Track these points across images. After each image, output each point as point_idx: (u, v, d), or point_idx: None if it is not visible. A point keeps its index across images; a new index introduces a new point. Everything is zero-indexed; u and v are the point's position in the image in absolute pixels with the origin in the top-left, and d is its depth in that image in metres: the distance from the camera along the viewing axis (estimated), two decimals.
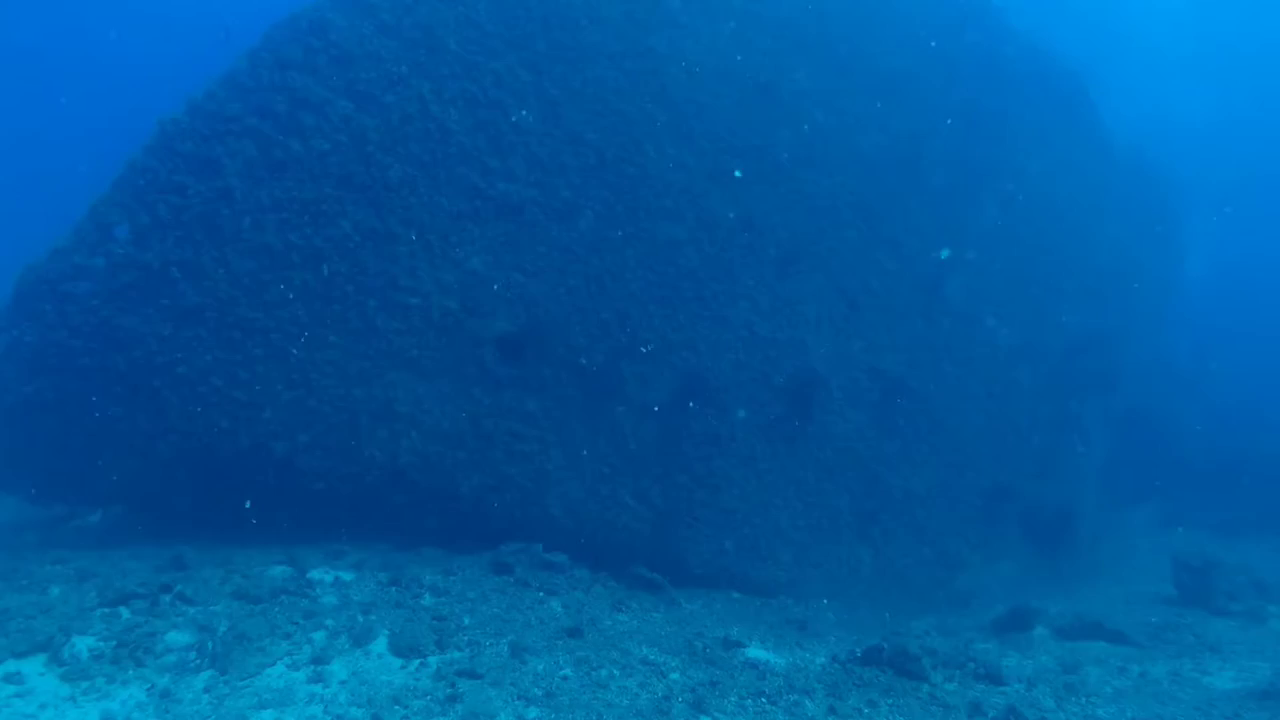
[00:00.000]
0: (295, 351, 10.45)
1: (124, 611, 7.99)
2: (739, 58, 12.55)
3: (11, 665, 6.94)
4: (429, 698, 6.97)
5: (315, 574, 9.53)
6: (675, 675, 7.91)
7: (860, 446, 12.99)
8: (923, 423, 13.63)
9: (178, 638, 7.55)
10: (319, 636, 7.95)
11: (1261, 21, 40.33)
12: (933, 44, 14.58)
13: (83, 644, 7.26)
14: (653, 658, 8.27)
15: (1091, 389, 16.00)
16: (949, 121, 14.36)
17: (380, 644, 7.92)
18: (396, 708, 6.77)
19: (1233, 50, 39.58)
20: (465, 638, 8.16)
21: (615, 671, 7.82)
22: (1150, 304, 18.82)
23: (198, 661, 7.21)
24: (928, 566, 13.42)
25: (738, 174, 12.23)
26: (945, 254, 13.62)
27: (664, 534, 11.70)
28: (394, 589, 9.28)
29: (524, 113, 11.25)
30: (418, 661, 7.64)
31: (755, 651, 8.93)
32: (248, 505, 10.57)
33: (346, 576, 9.59)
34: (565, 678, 7.57)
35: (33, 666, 6.96)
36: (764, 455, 12.19)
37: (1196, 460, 19.57)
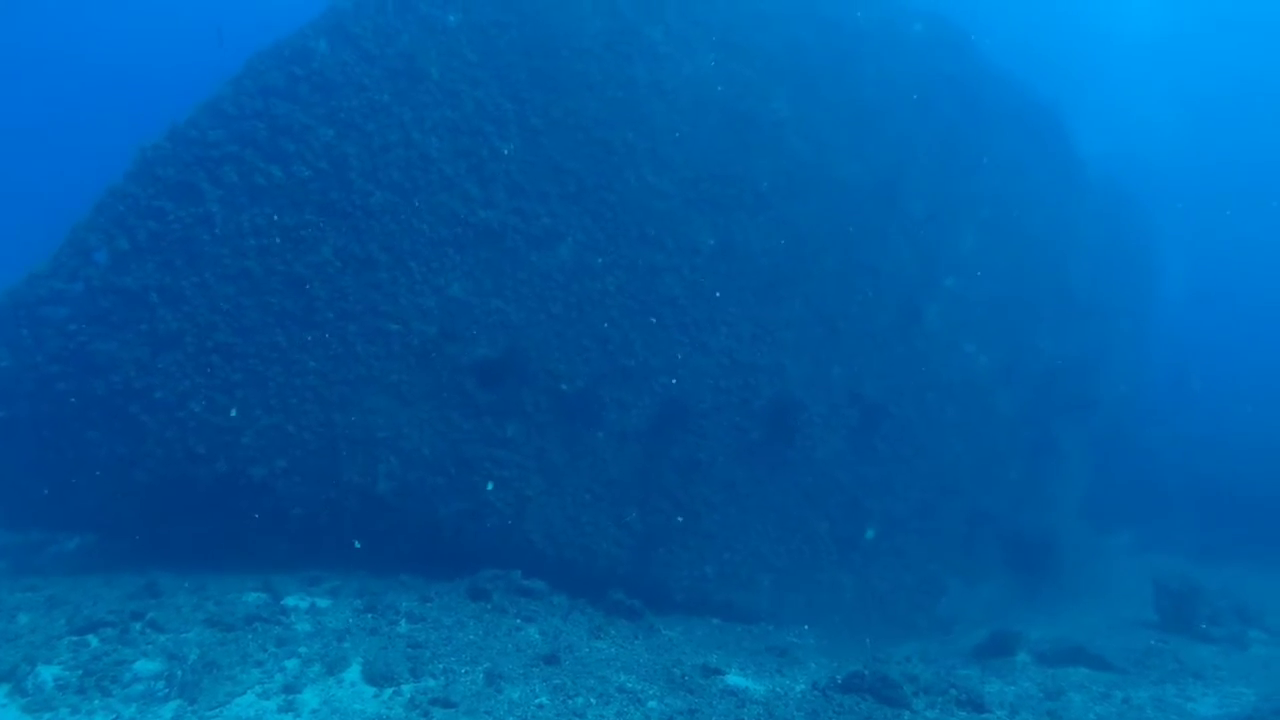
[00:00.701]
0: (274, 377, 10.27)
1: (93, 639, 7.75)
2: (719, 88, 12.51)
3: None
4: None
5: (290, 601, 9.30)
6: (653, 703, 7.70)
7: (840, 471, 12.85)
8: (903, 448, 13.51)
9: (146, 666, 7.31)
10: (291, 664, 7.71)
11: (1234, 46, 40.98)
12: (909, 77, 14.59)
13: (48, 673, 7.02)
14: (630, 685, 8.06)
15: (1070, 414, 15.92)
16: (926, 151, 14.37)
17: (353, 672, 7.69)
18: None
19: (1205, 74, 40.14)
20: (440, 665, 7.94)
21: (592, 700, 7.61)
22: (1127, 328, 18.81)
23: (166, 691, 6.98)
24: (909, 592, 13.24)
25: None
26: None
27: (644, 560, 11.51)
28: (369, 616, 9.05)
29: (506, 142, 11.18)
30: (391, 690, 7.41)
31: (735, 679, 8.72)
32: (226, 532, 10.37)
33: (322, 603, 9.36)
34: (541, 706, 7.35)
35: None
36: (744, 481, 12.03)
37: (1175, 485, 19.48)
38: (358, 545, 10.56)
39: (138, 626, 8.04)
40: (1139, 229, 20.11)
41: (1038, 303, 15.96)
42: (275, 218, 10.22)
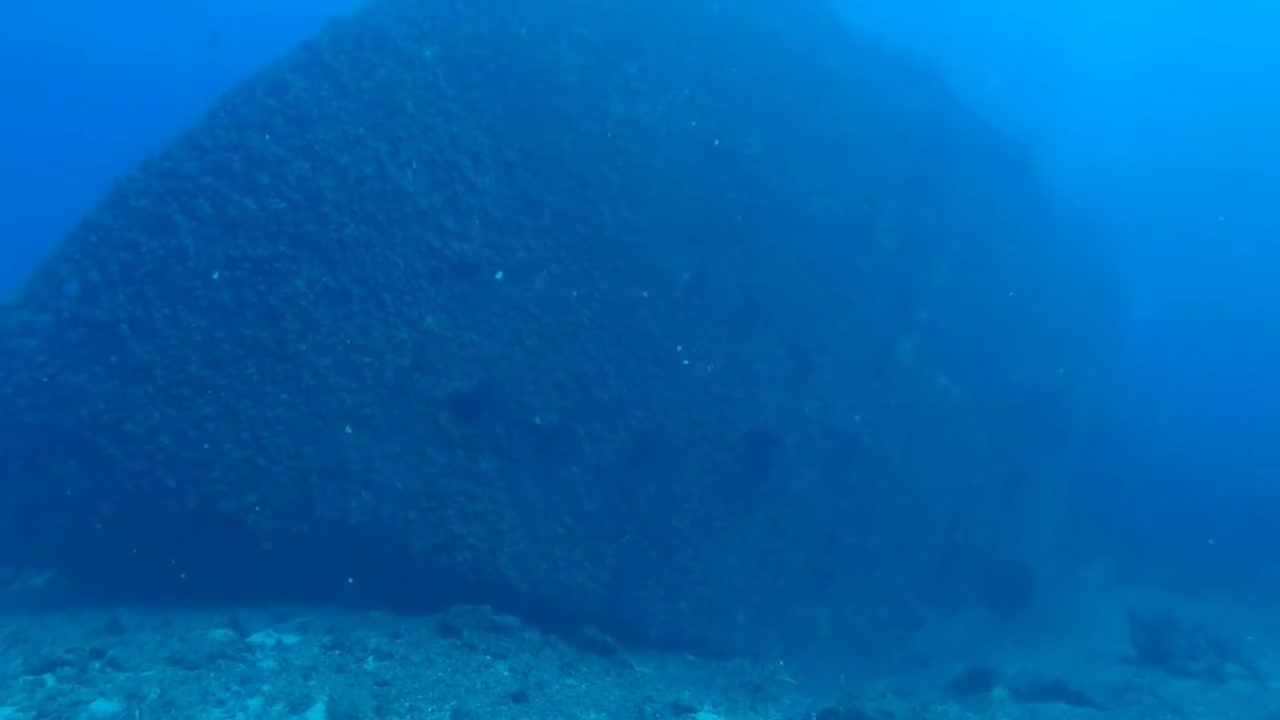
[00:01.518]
0: (246, 410, 10.09)
1: (49, 679, 7.50)
2: (693, 123, 12.52)
3: None
4: None
5: (257, 637, 9.06)
6: None
7: (815, 505, 12.75)
8: (877, 480, 13.42)
9: (103, 707, 7.07)
10: (254, 703, 7.48)
11: (1202, 79, 41.90)
12: (881, 114, 14.70)
13: None
14: None
15: (1043, 446, 15.89)
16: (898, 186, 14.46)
17: (317, 711, 7.46)
18: None
19: (1171, 107, 40.82)
20: (406, 704, 7.72)
21: None
22: (1098, 360, 18.83)
23: None
24: (885, 626, 13.09)
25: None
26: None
27: (619, 595, 11.32)
28: (337, 652, 8.82)
29: (481, 175, 11.12)
30: None
31: (707, 716, 8.53)
32: (195, 566, 10.13)
33: (289, 639, 9.13)
34: None
35: None
36: (719, 514, 11.90)
37: (1147, 517, 19.42)
38: (350, 581, 10.37)
39: (97, 665, 7.80)
40: (1107, 262, 20.23)
41: (1010, 335, 15.97)
42: (248, 250, 10.10)
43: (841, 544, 12.92)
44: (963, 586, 14.26)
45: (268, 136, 10.20)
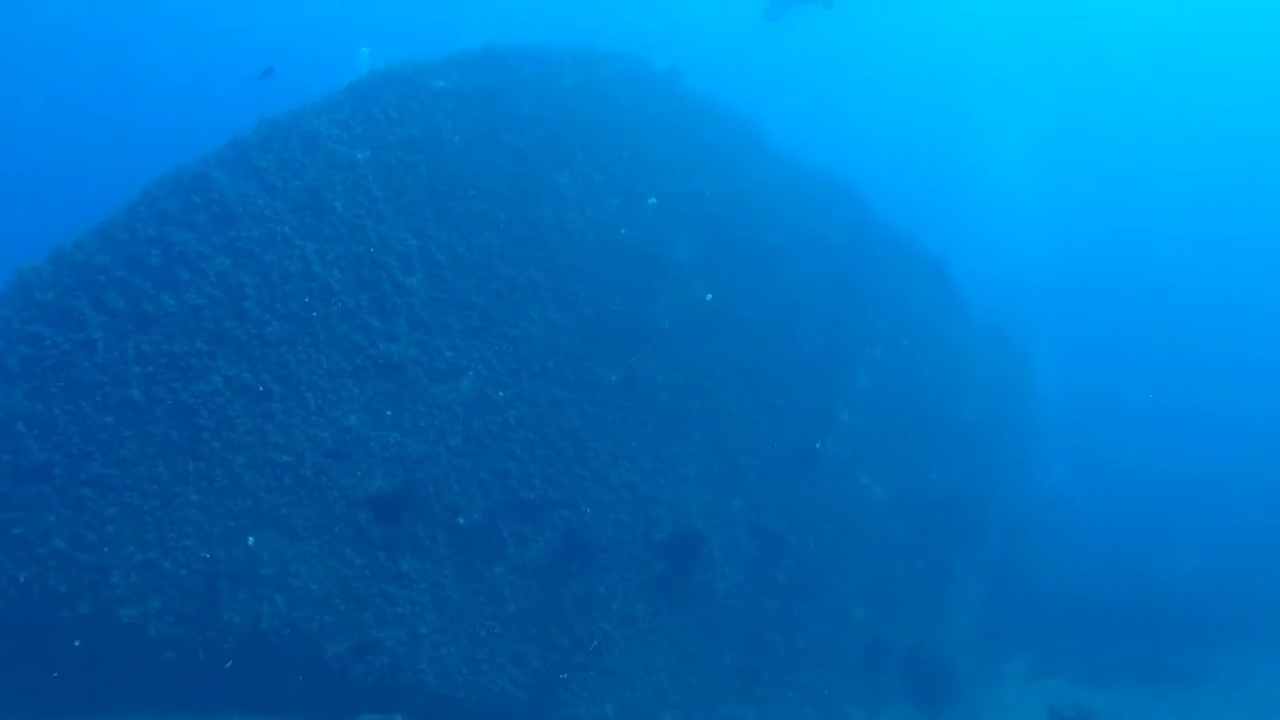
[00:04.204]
0: (152, 511, 8.90)
1: None
2: (622, 231, 11.92)
3: None
4: None
5: None
6: None
7: (742, 604, 11.77)
8: (803, 579, 12.50)
9: None
10: None
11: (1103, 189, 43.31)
12: (805, 225, 14.35)
13: None
14: None
15: (962, 543, 15.17)
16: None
17: None
18: None
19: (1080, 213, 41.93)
20: None
21: None
22: (1012, 458, 18.36)
23: None
24: None
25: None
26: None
27: (543, 699, 10.14)
28: None
29: (409, 276, 10.30)
30: None
31: None
32: (82, 679, 8.77)
33: None
34: None
35: None
36: (645, 615, 10.85)
37: (1063, 609, 18.68)
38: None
39: None
40: (1020, 365, 19.99)
41: (929, 436, 15.41)
42: (163, 345, 9.07)
43: (768, 643, 11.91)
44: (888, 683, 13.28)
45: (188, 231, 9.28)
